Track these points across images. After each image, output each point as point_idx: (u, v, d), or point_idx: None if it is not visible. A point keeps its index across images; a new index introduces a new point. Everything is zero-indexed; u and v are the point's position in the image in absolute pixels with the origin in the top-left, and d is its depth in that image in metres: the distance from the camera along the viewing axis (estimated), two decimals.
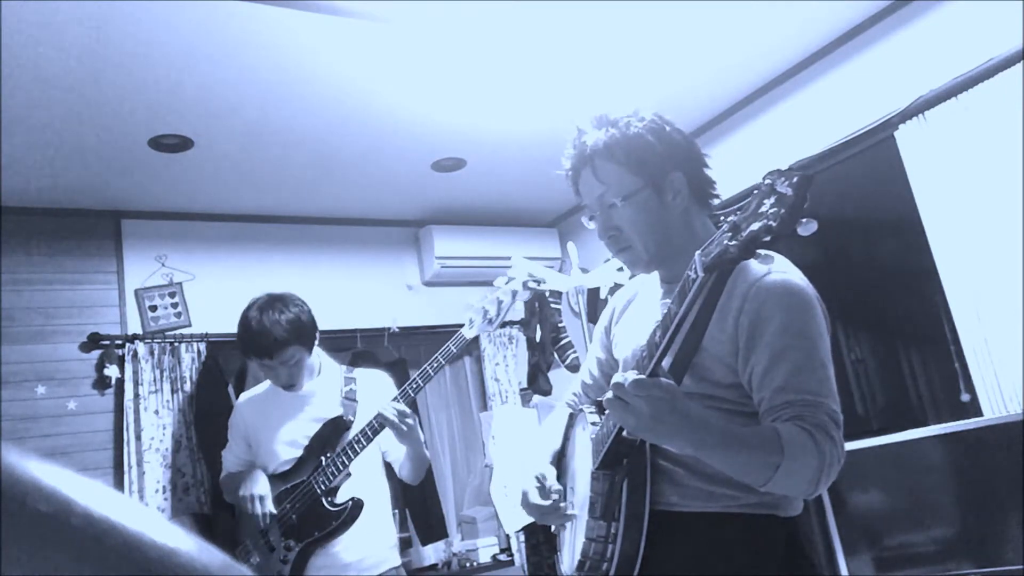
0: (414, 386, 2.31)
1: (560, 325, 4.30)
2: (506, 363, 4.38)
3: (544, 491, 1.48)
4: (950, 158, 2.62)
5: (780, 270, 1.29)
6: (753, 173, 3.36)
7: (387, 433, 2.31)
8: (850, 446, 2.66)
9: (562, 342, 4.24)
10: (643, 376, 1.11)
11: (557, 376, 4.24)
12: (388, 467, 2.53)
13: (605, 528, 1.28)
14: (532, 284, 2.84)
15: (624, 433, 1.24)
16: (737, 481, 1.25)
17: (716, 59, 3.07)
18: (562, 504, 1.46)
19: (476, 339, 4.32)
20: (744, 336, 1.25)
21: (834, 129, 3.03)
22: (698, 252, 1.06)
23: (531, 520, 3.49)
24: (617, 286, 3.39)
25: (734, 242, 0.97)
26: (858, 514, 2.66)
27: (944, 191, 2.64)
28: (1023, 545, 2.24)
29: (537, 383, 4.23)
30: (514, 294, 2.40)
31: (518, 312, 4.21)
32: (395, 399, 2.31)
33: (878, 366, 4.53)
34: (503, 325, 4.37)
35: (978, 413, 2.56)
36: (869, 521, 2.64)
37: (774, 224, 0.93)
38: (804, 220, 0.91)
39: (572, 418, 1.57)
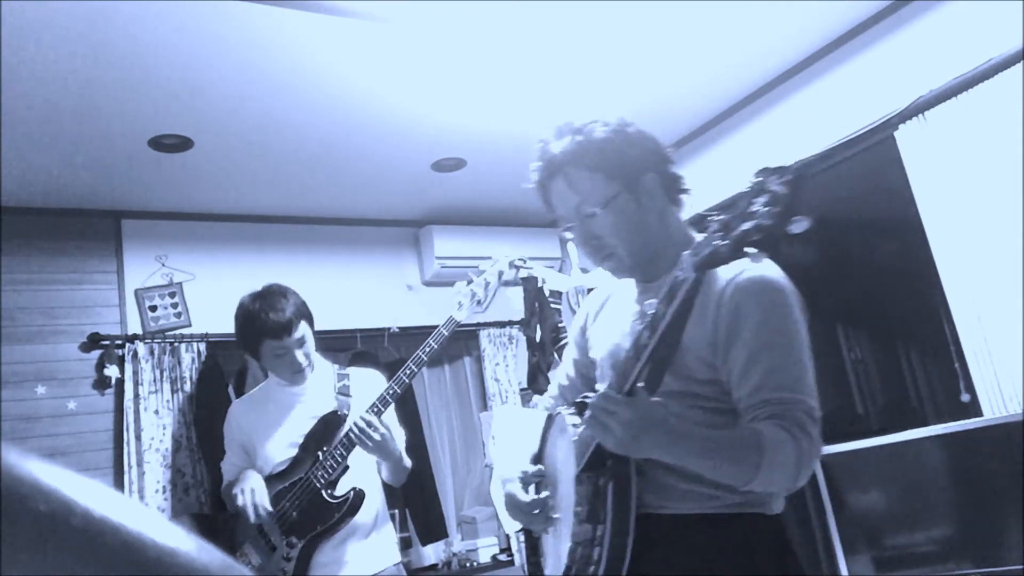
0: (408, 371, 2.30)
1: (560, 325, 4.29)
2: (506, 363, 4.38)
3: (527, 486, 1.48)
4: (950, 158, 2.62)
5: (756, 267, 1.28)
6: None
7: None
8: (850, 446, 2.67)
9: (562, 342, 4.24)
10: (612, 393, 1.14)
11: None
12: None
13: (591, 531, 1.27)
14: (518, 262, 2.84)
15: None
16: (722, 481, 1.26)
17: (715, 60, 3.07)
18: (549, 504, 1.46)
19: (476, 339, 4.35)
20: (722, 334, 1.26)
21: (834, 129, 3.03)
22: (687, 253, 1.05)
23: None
24: None
25: (725, 242, 0.97)
26: (858, 514, 2.66)
27: (944, 191, 2.64)
28: (1023, 545, 2.24)
29: (537, 383, 4.23)
30: (500, 274, 2.40)
31: (518, 312, 4.21)
32: (389, 387, 2.29)
33: (878, 366, 4.53)
34: (502, 325, 4.38)
35: (978, 413, 2.56)
36: (869, 521, 2.64)
37: (767, 223, 0.92)
38: (796, 218, 0.89)
39: (550, 420, 1.55)
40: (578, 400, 1.44)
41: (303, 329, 2.35)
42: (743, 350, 1.23)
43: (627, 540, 1.25)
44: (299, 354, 2.35)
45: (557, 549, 1.40)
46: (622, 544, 1.25)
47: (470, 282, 2.41)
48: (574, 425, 1.37)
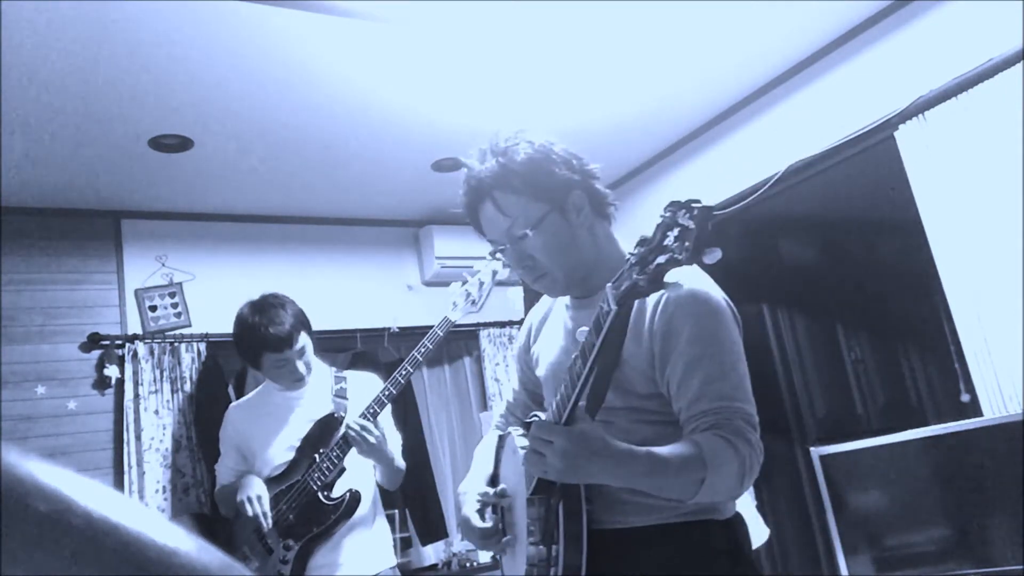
0: (403, 372, 2.30)
1: None
2: (506, 363, 4.38)
3: (483, 513, 1.47)
4: (950, 158, 2.62)
5: (688, 281, 1.29)
6: (753, 173, 3.38)
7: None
8: (850, 446, 2.67)
9: None
10: (548, 423, 1.16)
11: None
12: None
13: (546, 553, 1.28)
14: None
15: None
16: None
17: (715, 60, 3.07)
18: (500, 528, 1.46)
19: (476, 339, 4.35)
20: (658, 347, 1.27)
21: (834, 129, 3.03)
22: (609, 285, 1.07)
23: None
24: None
25: (642, 276, 0.99)
26: (858, 514, 2.66)
27: (944, 191, 2.64)
28: (1023, 545, 2.24)
29: None
30: (494, 274, 2.41)
31: (518, 312, 4.21)
32: (384, 388, 2.30)
33: (878, 366, 4.54)
34: (502, 325, 4.38)
35: (978, 413, 2.56)
36: (869, 521, 2.64)
37: (680, 257, 0.94)
38: (708, 250, 0.92)
39: (501, 440, 1.55)
40: (527, 420, 1.45)
41: (303, 340, 2.35)
42: (679, 361, 1.25)
43: (581, 559, 1.25)
44: (299, 364, 2.35)
45: (514, 569, 1.40)
46: (576, 563, 1.25)
47: (464, 282, 2.41)
48: (523, 448, 1.37)
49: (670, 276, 1.23)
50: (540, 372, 1.52)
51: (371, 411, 2.26)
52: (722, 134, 3.59)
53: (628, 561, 1.29)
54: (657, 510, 1.29)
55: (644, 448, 1.17)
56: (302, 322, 2.37)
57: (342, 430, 2.32)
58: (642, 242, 1.00)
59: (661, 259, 0.96)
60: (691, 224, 0.93)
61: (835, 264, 4.31)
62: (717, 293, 1.33)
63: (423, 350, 2.32)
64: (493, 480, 1.55)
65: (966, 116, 2.58)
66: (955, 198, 2.61)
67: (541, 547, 1.28)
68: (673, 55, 2.98)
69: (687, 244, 0.93)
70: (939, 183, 2.66)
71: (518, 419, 1.59)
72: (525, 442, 1.38)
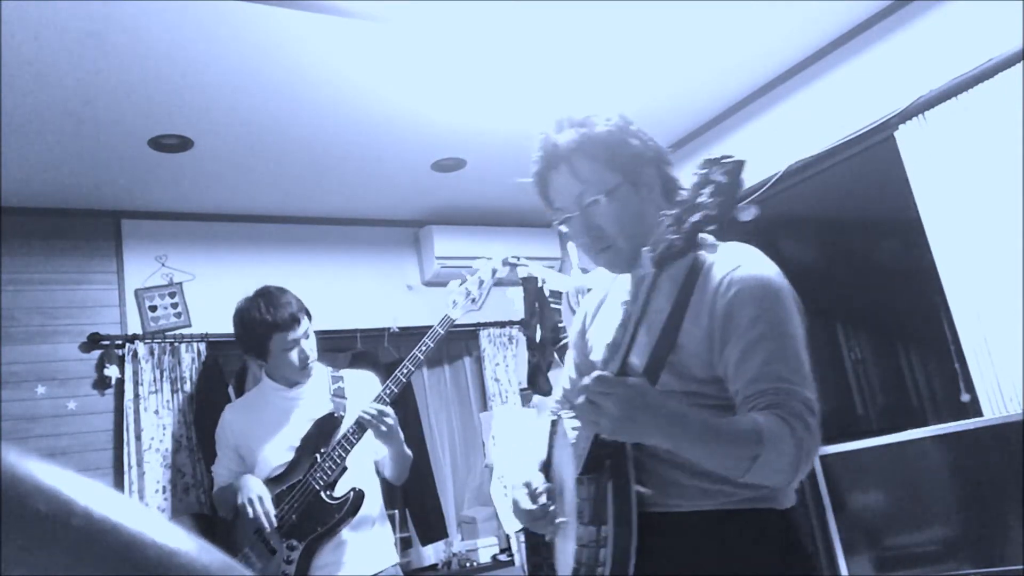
0: (405, 371, 2.31)
1: (560, 325, 4.29)
2: (506, 363, 4.38)
3: (532, 495, 1.47)
4: (950, 158, 2.62)
5: (751, 264, 1.30)
6: (754, 173, 3.37)
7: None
8: (850, 446, 2.67)
9: (562, 342, 4.24)
10: (606, 373, 1.11)
11: (557, 376, 4.24)
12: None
13: (595, 533, 1.27)
14: (512, 260, 2.85)
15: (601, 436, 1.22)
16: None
17: (716, 59, 3.07)
18: (551, 510, 1.46)
19: (476, 339, 4.35)
20: (718, 330, 1.26)
21: (834, 129, 3.03)
22: (645, 249, 1.06)
23: None
24: None
25: (677, 235, 0.98)
26: (858, 514, 2.66)
27: (944, 191, 2.64)
28: (1023, 545, 2.24)
29: (537, 383, 4.23)
30: (494, 272, 2.41)
31: (518, 312, 4.21)
32: (386, 386, 2.30)
33: (878, 366, 4.54)
34: (502, 325, 4.38)
35: (978, 413, 2.56)
36: (869, 521, 2.64)
37: (713, 213, 0.94)
38: (743, 205, 0.92)
39: (554, 425, 1.56)
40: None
41: (306, 323, 2.39)
42: (739, 342, 1.23)
43: (631, 540, 1.24)
44: (306, 346, 2.37)
45: (565, 551, 1.39)
46: (626, 544, 1.24)
47: (463, 281, 2.41)
48: (573, 428, 1.37)
49: (724, 251, 1.23)
50: (595, 356, 1.50)
51: (386, 393, 2.28)
52: (722, 134, 3.59)
53: (681, 545, 1.28)
54: (713, 495, 1.27)
55: (700, 413, 1.15)
56: (303, 307, 2.41)
57: (343, 429, 2.32)
58: (678, 203, 1.00)
59: (695, 217, 0.95)
60: (724, 179, 0.94)
61: (835, 264, 4.31)
62: (780, 278, 1.31)
63: (424, 348, 2.33)
64: (546, 465, 1.55)
65: (966, 116, 2.58)
66: (955, 198, 2.61)
67: (591, 527, 1.27)
68: (673, 55, 2.98)
69: (720, 199, 0.93)
70: (939, 183, 2.66)
71: (571, 405, 1.58)
72: (575, 423, 1.38)
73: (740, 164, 0.95)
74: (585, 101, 3.31)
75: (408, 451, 2.42)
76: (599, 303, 1.57)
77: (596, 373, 1.11)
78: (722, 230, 0.98)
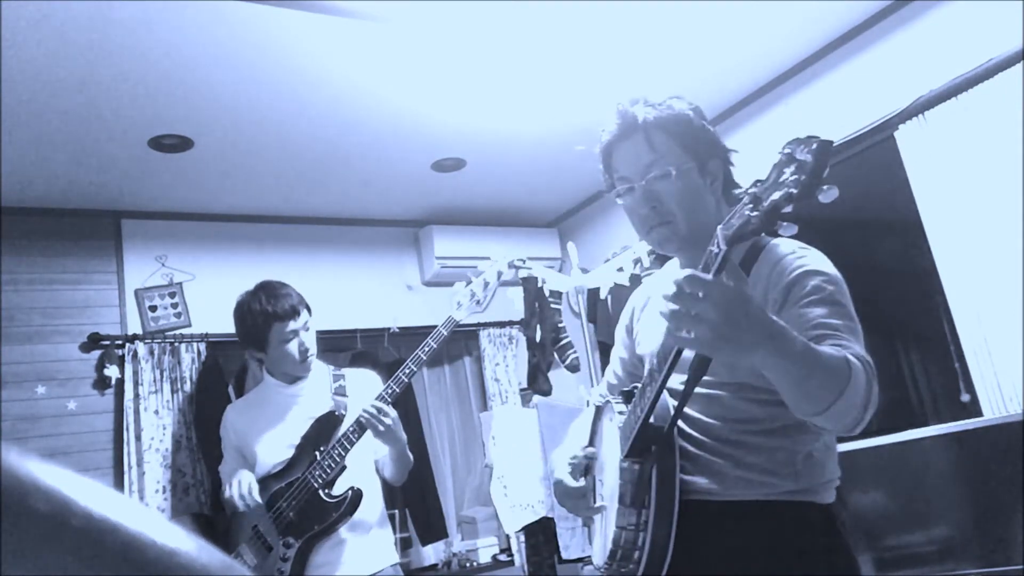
0: (407, 371, 2.31)
1: (560, 325, 4.29)
2: (506, 363, 4.38)
3: (577, 471, 1.47)
4: (950, 158, 2.62)
5: (816, 255, 1.32)
6: (753, 173, 3.37)
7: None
8: (850, 446, 2.67)
9: (562, 342, 4.23)
10: (698, 272, 0.99)
11: (557, 376, 4.24)
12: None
13: (635, 516, 1.26)
14: (517, 262, 2.84)
15: (693, 351, 1.14)
16: (776, 468, 1.25)
17: (716, 59, 3.07)
18: (591, 493, 1.46)
19: (476, 338, 4.35)
20: (777, 302, 1.25)
21: (834, 129, 3.03)
22: (720, 226, 1.02)
23: (531, 520, 3.49)
24: (618, 286, 3.39)
25: (756, 213, 0.95)
26: (858, 514, 2.66)
27: (944, 191, 2.64)
28: (1023, 545, 2.24)
29: (537, 383, 4.23)
30: (499, 274, 2.41)
31: (518, 312, 4.21)
32: (387, 386, 2.30)
33: (878, 366, 4.53)
34: (502, 325, 4.38)
35: (978, 413, 2.56)
36: (869, 521, 2.64)
37: (795, 191, 0.91)
38: (825, 187, 0.89)
39: (599, 411, 1.55)
40: (626, 390, 1.43)
41: (306, 315, 2.39)
42: (800, 303, 1.21)
43: (671, 526, 1.24)
44: (306, 337, 2.37)
45: (604, 534, 1.39)
46: (666, 530, 1.23)
47: (469, 283, 2.41)
48: (620, 412, 1.37)
49: (788, 242, 1.23)
50: (643, 350, 1.49)
51: (388, 393, 2.27)
52: (722, 134, 3.58)
53: (721, 534, 1.27)
54: (757, 486, 1.27)
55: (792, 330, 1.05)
56: (304, 300, 2.41)
57: (344, 428, 2.31)
58: (756, 183, 0.97)
59: (776, 195, 0.92)
60: (809, 158, 0.90)
61: (835, 264, 4.30)
62: (839, 274, 1.31)
63: (427, 349, 2.32)
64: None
65: (966, 116, 2.57)
66: (955, 198, 2.61)
67: (632, 509, 1.26)
68: (673, 55, 2.98)
69: (804, 178, 0.90)
70: (939, 183, 2.66)
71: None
72: (622, 408, 1.37)
73: (828, 144, 0.91)
74: (583, 101, 3.33)
75: (409, 454, 2.41)
76: (647, 298, 1.57)
77: (687, 272, 0.98)
78: (800, 210, 0.93)
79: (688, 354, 1.20)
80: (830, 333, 1.15)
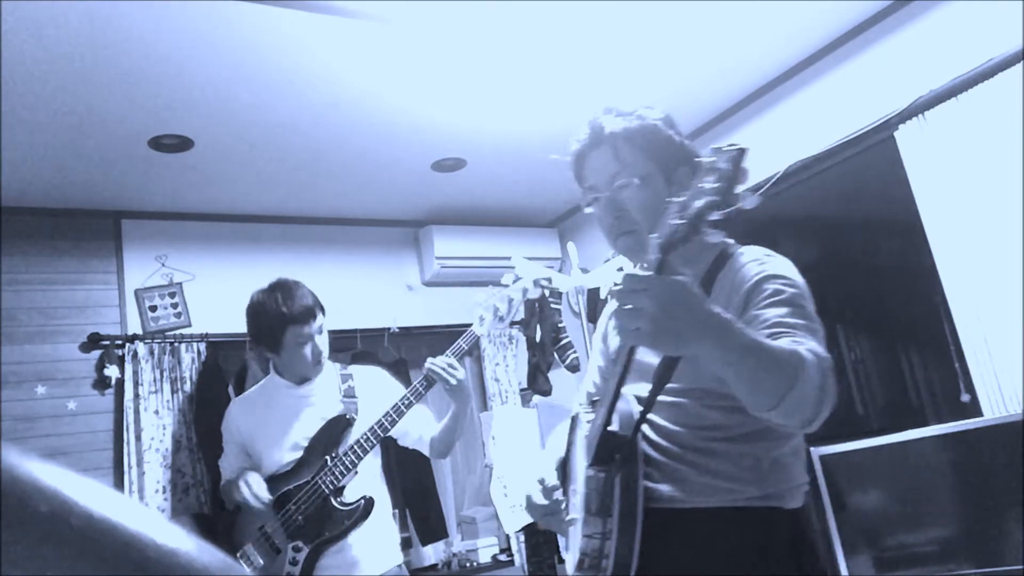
0: (423, 384, 2.31)
1: (560, 325, 4.29)
2: (506, 363, 4.38)
3: (546, 491, 1.48)
4: (950, 158, 2.62)
5: (780, 261, 1.34)
6: (754, 173, 3.37)
7: (406, 415, 2.30)
8: (850, 446, 2.67)
9: (562, 342, 4.24)
10: (640, 271, 1.02)
11: (557, 376, 4.24)
12: (383, 466, 2.52)
13: (601, 524, 1.27)
14: (543, 282, 2.83)
15: (636, 349, 1.18)
16: (741, 475, 1.25)
17: (716, 59, 3.07)
18: (563, 507, 1.46)
19: (476, 339, 4.34)
20: (739, 305, 1.27)
21: (834, 129, 3.03)
22: (652, 235, 1.07)
23: (531, 520, 3.48)
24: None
25: (682, 221, 0.99)
26: (858, 514, 2.66)
27: (944, 191, 2.64)
28: (1023, 545, 2.24)
29: (537, 383, 4.23)
30: (524, 291, 2.39)
31: (518, 312, 4.21)
32: (404, 398, 2.29)
33: (878, 366, 4.54)
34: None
35: (978, 413, 2.56)
36: (869, 521, 2.64)
37: (717, 199, 0.96)
38: (745, 193, 0.95)
39: (574, 420, 1.56)
40: (595, 399, 1.45)
41: (321, 318, 2.36)
42: (760, 304, 1.23)
43: (635, 534, 1.24)
44: (320, 341, 2.35)
45: (575, 547, 1.40)
46: (630, 538, 1.24)
47: (490, 296, 2.37)
48: (588, 422, 1.38)
49: (754, 250, 1.28)
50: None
51: (387, 420, 2.26)
52: (721, 134, 3.59)
53: (687, 541, 1.28)
54: (721, 493, 1.27)
55: (740, 323, 1.07)
56: (319, 302, 2.38)
57: (354, 433, 2.31)
58: (683, 192, 1.02)
59: (699, 203, 0.97)
60: (726, 166, 0.96)
61: (835, 264, 4.31)
62: (800, 277, 1.33)
63: (447, 366, 2.32)
64: (563, 463, 1.55)
65: (966, 116, 2.58)
66: (955, 198, 2.61)
67: (597, 518, 1.27)
68: (672, 56, 2.98)
69: (722, 186, 0.95)
70: (939, 183, 2.66)
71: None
72: (590, 416, 1.38)
73: (742, 151, 0.97)
74: (583, 101, 3.33)
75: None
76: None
77: (626, 272, 1.04)
78: (727, 219, 0.99)
79: (653, 362, 1.22)
80: (786, 331, 1.16)
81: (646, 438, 1.32)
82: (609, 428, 1.27)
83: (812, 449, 2.76)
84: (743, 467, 1.28)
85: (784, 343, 1.11)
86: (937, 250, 2.68)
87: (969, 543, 2.41)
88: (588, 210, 1.46)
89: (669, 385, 1.25)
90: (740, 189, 0.97)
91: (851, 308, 4.47)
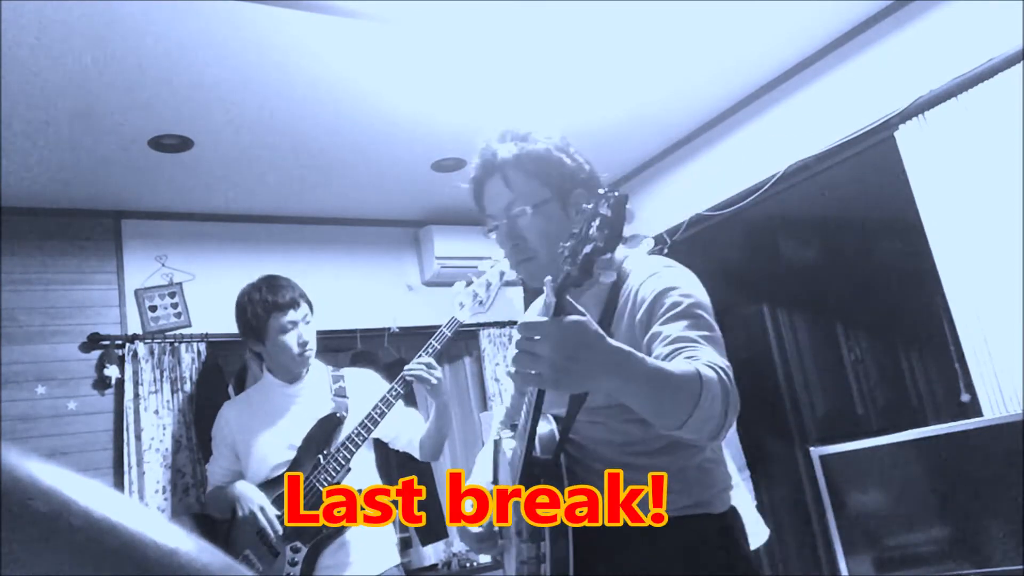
0: (402, 383, 2.31)
1: None
2: (506, 363, 4.38)
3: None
4: (950, 158, 2.62)
5: (664, 268, 1.37)
6: (754, 173, 3.37)
7: (393, 418, 2.30)
8: (850, 446, 2.67)
9: None
10: (535, 317, 1.04)
11: None
12: (380, 467, 2.52)
13: (535, 549, 1.28)
14: None
15: (542, 393, 1.23)
16: (668, 486, 1.27)
17: (716, 59, 3.07)
18: (495, 531, 1.48)
19: (476, 339, 4.35)
20: (641, 325, 1.29)
21: (834, 129, 3.03)
22: (548, 279, 1.08)
23: None
24: None
25: (574, 267, 1.02)
26: (858, 514, 2.66)
27: (944, 191, 2.64)
28: (1022, 545, 2.24)
29: None
30: (501, 274, 2.41)
31: (518, 312, 4.21)
32: (391, 389, 2.30)
33: (878, 366, 4.53)
34: (502, 325, 4.37)
35: (978, 413, 2.56)
36: (869, 521, 2.64)
37: (602, 245, 0.99)
38: (630, 236, 1.03)
39: (497, 445, 1.57)
40: (515, 423, 1.46)
41: (306, 308, 2.41)
42: (659, 320, 1.26)
43: (568, 553, 1.25)
44: (305, 331, 2.37)
45: (511, 571, 1.42)
46: (563, 558, 1.25)
47: (470, 283, 2.41)
48: (510, 449, 1.39)
49: (643, 264, 1.32)
50: None
51: (376, 412, 2.27)
52: (722, 134, 3.59)
53: (620, 557, 1.29)
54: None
55: (640, 353, 1.08)
56: (305, 295, 2.44)
57: (345, 430, 2.31)
58: (572, 235, 1.05)
59: (587, 248, 1.00)
60: (609, 213, 0.99)
61: (835, 264, 4.31)
62: (692, 275, 1.37)
63: (431, 350, 2.33)
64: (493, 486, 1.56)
65: (966, 116, 2.58)
66: (955, 198, 2.61)
67: (530, 543, 1.28)
68: (672, 56, 2.98)
69: (606, 232, 0.99)
70: (939, 183, 2.66)
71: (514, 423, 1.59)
72: (512, 444, 1.40)
73: (624, 198, 1.01)
74: (583, 101, 3.33)
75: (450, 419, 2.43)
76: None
77: (522, 319, 1.06)
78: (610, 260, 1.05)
79: None
80: (686, 346, 1.19)
81: (570, 457, 1.33)
82: (532, 453, 1.28)
83: (812, 449, 2.76)
84: (671, 478, 1.29)
85: (684, 363, 1.13)
86: (937, 250, 2.68)
87: (969, 543, 2.41)
88: (490, 236, 1.48)
89: (587, 405, 1.28)
90: (625, 230, 1.02)
91: (851, 308, 4.47)
